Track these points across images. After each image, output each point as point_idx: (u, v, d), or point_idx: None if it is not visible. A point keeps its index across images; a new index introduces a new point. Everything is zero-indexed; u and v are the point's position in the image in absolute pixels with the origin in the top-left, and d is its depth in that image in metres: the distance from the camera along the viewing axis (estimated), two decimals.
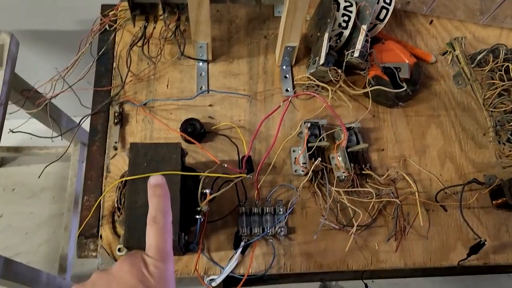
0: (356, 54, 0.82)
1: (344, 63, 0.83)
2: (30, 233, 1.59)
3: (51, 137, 0.98)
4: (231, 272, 0.74)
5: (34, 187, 1.66)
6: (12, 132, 0.96)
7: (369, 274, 1.37)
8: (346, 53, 0.83)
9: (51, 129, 1.09)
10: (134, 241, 0.61)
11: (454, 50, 0.87)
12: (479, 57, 0.85)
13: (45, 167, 0.99)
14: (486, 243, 0.73)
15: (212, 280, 0.73)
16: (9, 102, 1.02)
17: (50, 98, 0.85)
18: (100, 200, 0.76)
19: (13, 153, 1.58)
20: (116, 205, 0.67)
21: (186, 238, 0.65)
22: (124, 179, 0.66)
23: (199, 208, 0.66)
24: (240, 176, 0.69)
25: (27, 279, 1.06)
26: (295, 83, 0.89)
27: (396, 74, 0.82)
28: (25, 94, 1.03)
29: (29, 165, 1.71)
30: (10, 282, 1.00)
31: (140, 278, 0.46)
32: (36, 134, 0.98)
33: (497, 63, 0.85)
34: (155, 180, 0.54)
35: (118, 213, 0.66)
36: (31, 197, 1.65)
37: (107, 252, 0.73)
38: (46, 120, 1.09)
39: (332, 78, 0.83)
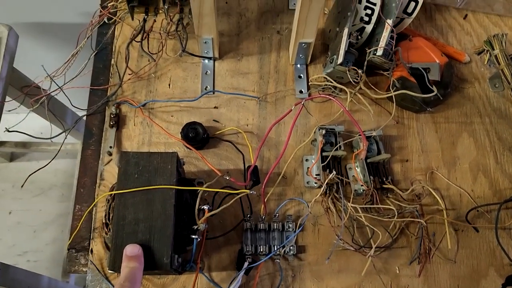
0: (380, 52, 0.73)
1: (366, 62, 0.74)
2: (38, 231, 1.56)
3: (50, 138, 0.92)
4: None
5: (43, 184, 1.63)
6: (8, 131, 0.90)
7: None
8: (368, 51, 0.74)
9: (54, 127, 1.03)
10: (121, 264, 0.54)
11: (493, 49, 0.77)
12: None
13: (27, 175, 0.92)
14: None
15: None
16: (9, 99, 0.97)
17: (42, 97, 0.78)
18: (92, 211, 0.70)
19: (21, 148, 1.53)
20: (104, 221, 0.60)
21: (180, 261, 0.58)
22: (112, 192, 0.59)
23: (196, 227, 0.59)
24: (243, 192, 0.61)
25: (26, 284, 1.01)
26: (310, 83, 0.81)
27: (425, 76, 0.72)
28: (24, 91, 0.98)
29: (39, 161, 1.67)
30: None
31: None
32: (42, 130, 0.92)
33: None
34: (131, 250, 0.53)
35: (106, 230, 0.60)
36: (40, 194, 1.61)
37: (98, 269, 0.67)
38: (47, 117, 1.04)
39: (351, 79, 0.74)
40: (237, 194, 0.61)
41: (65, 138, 0.79)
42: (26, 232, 1.55)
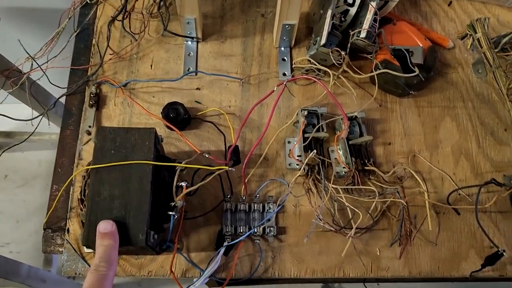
0: (363, 34, 0.72)
1: (349, 44, 0.74)
2: (21, 222, 1.53)
3: (30, 119, 0.90)
4: (212, 275, 0.65)
5: (27, 174, 1.60)
6: None
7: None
8: (352, 33, 0.74)
9: (37, 112, 1.02)
10: (95, 240, 0.53)
11: (476, 33, 0.77)
12: (504, 41, 0.74)
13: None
14: (504, 253, 0.63)
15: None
16: None
17: (21, 76, 0.77)
18: (69, 191, 0.68)
19: (5, 138, 1.51)
20: (79, 197, 0.59)
21: (157, 237, 0.57)
22: (89, 167, 0.58)
23: (173, 203, 0.58)
24: (221, 168, 0.60)
25: (5, 271, 0.99)
26: (294, 66, 0.80)
27: (408, 57, 0.72)
28: (4, 74, 0.96)
29: (24, 152, 1.65)
30: None
31: None
32: (26, 118, 0.90)
33: None
34: (104, 227, 0.51)
35: (81, 206, 0.58)
36: (24, 185, 1.59)
37: (74, 249, 0.66)
38: (29, 102, 1.02)
39: (334, 61, 0.74)
40: (216, 170, 0.60)
41: (42, 117, 0.78)
42: (9, 222, 1.53)
